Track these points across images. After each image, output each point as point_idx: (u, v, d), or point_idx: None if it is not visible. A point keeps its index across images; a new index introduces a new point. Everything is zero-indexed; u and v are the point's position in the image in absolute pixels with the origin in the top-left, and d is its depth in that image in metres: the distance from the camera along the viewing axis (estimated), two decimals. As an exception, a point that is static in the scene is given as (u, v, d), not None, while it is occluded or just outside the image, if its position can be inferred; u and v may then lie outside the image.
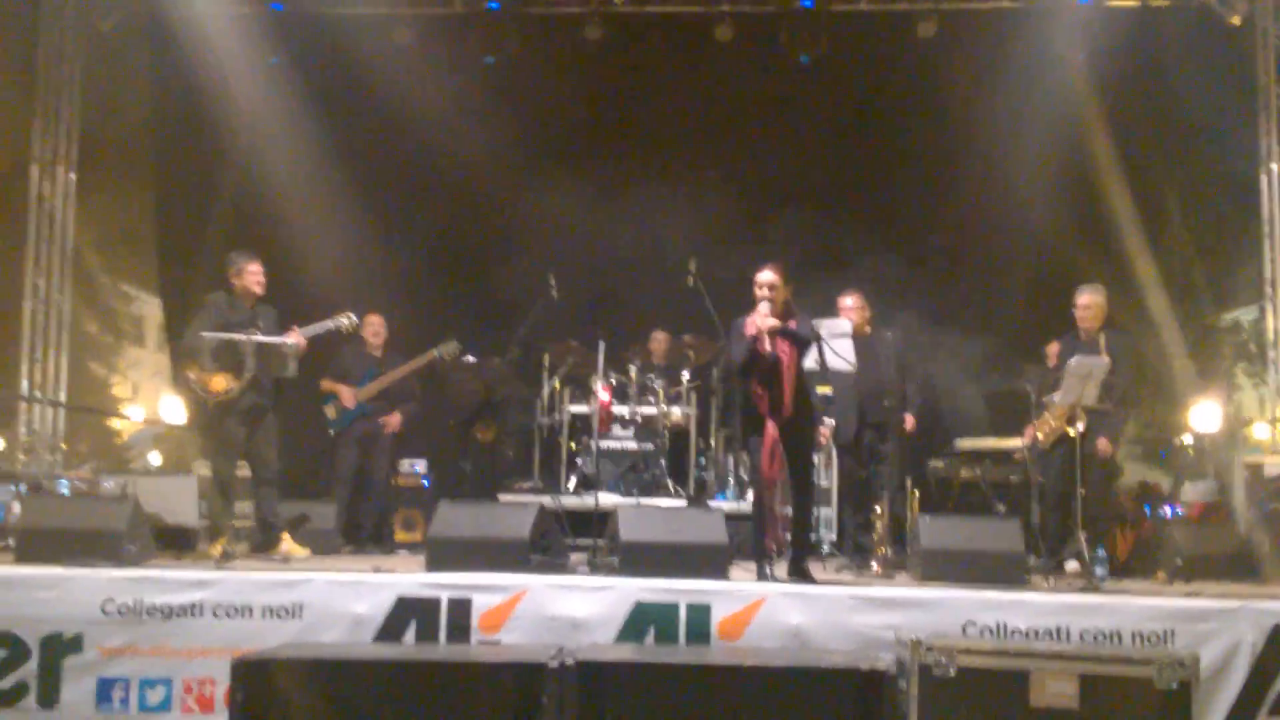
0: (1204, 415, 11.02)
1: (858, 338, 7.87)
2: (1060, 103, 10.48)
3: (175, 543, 7.76)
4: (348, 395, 8.94)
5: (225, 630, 6.07)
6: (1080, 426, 7.54)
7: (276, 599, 6.13)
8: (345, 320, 8.06)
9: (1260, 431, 11.33)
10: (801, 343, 6.78)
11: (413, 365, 9.12)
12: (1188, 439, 11.28)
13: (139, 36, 11.64)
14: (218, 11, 10.88)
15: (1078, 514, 7.27)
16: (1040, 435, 7.92)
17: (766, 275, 6.73)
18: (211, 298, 7.76)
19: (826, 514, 9.28)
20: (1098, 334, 7.88)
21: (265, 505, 7.67)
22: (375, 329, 9.08)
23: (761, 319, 6.63)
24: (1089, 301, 8.03)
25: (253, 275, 7.76)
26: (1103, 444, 7.72)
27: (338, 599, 6.14)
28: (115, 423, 23.61)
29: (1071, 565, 7.42)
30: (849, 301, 8.15)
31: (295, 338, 7.66)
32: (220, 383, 7.45)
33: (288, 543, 7.57)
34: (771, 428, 6.65)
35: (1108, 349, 7.49)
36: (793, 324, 6.73)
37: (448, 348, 9.08)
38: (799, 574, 6.70)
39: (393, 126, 10.98)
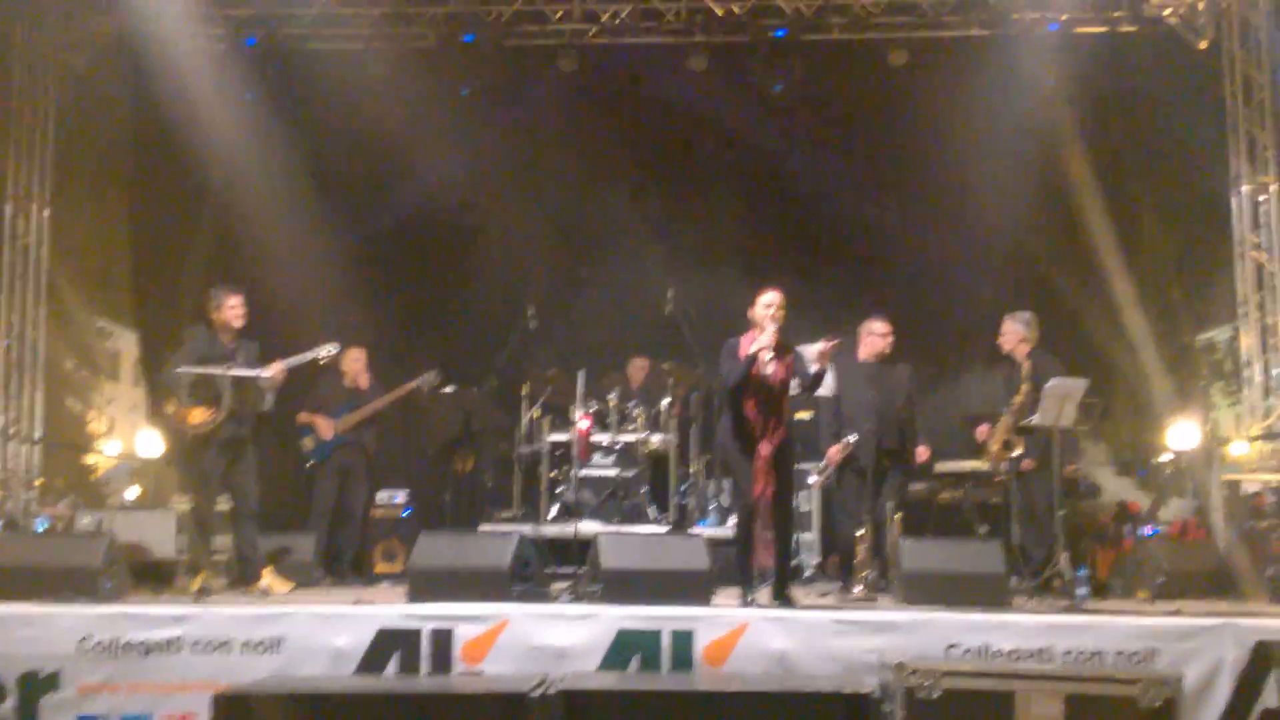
0: (1181, 434, 11.07)
1: (878, 365, 7.97)
2: (1032, 127, 10.57)
3: (153, 578, 7.70)
4: (325, 427, 8.92)
5: (204, 665, 6.01)
6: (1018, 451, 7.63)
7: (256, 633, 6.08)
8: (325, 351, 8.05)
9: (1237, 449, 11.40)
10: (810, 377, 6.82)
11: (392, 396, 9.10)
12: (1166, 458, 11.33)
13: (113, 72, 11.62)
14: (192, 47, 10.90)
15: (1058, 533, 7.32)
16: (992, 447, 7.97)
17: (772, 296, 6.77)
18: (191, 331, 7.74)
19: (808, 538, 9.31)
20: (1025, 359, 7.95)
21: (245, 539, 7.61)
22: (353, 361, 9.05)
23: (769, 339, 6.67)
24: (1003, 328, 8.23)
25: (232, 310, 7.73)
26: (1027, 464, 7.80)
27: (318, 632, 6.09)
28: (92, 458, 23.43)
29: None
30: (878, 327, 8.07)
31: (275, 370, 7.61)
32: (198, 415, 7.41)
33: (269, 577, 7.51)
34: (764, 449, 6.66)
35: (1032, 375, 7.57)
36: (789, 355, 6.79)
37: (427, 378, 9.06)
38: (782, 598, 6.69)
39: (369, 158, 11.02)
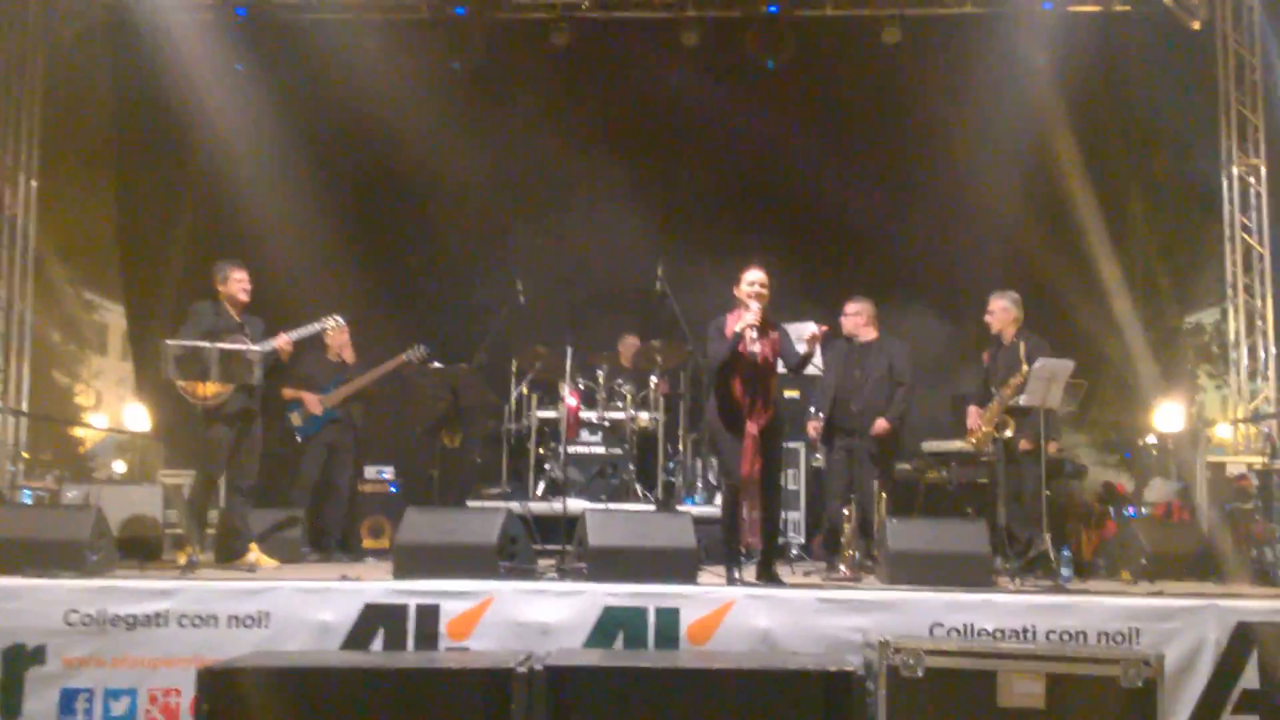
0: (1167, 416, 11.13)
1: (850, 343, 8.22)
2: (1024, 107, 10.57)
3: (139, 552, 7.68)
4: (313, 402, 8.90)
5: (190, 639, 6.00)
6: (1009, 431, 7.65)
7: (242, 607, 6.07)
8: (332, 322, 8.08)
9: (1223, 432, 11.47)
10: (798, 359, 6.86)
11: (380, 371, 9.08)
12: (1151, 440, 11.38)
13: (101, 44, 11.57)
14: (181, 18, 10.84)
15: (1043, 513, 7.35)
16: (983, 427, 7.99)
17: (756, 274, 6.80)
18: (197, 306, 7.70)
19: (794, 517, 9.34)
20: (1016, 340, 7.97)
21: (238, 513, 7.61)
22: (337, 334, 9.01)
23: (753, 316, 6.67)
24: (992, 306, 8.24)
25: (239, 283, 7.73)
26: (1024, 444, 7.79)
27: (304, 607, 6.08)
28: (79, 431, 23.42)
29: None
30: (848, 307, 8.35)
31: (281, 342, 7.64)
32: (209, 389, 7.38)
33: (256, 553, 7.51)
34: (752, 427, 6.67)
35: (1027, 356, 7.58)
36: (774, 334, 6.80)
37: (415, 352, 9.04)
38: (768, 577, 6.71)
39: (358, 131, 10.97)
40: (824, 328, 6.76)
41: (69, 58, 11.46)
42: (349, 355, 9.16)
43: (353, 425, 9.10)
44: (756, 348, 6.70)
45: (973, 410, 8.19)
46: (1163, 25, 10.97)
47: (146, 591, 6.12)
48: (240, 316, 7.74)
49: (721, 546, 6.98)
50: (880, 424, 7.98)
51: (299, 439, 8.95)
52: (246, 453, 7.64)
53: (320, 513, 8.84)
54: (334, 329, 8.50)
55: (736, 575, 6.68)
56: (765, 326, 6.75)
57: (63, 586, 6.13)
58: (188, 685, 5.55)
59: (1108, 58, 11.02)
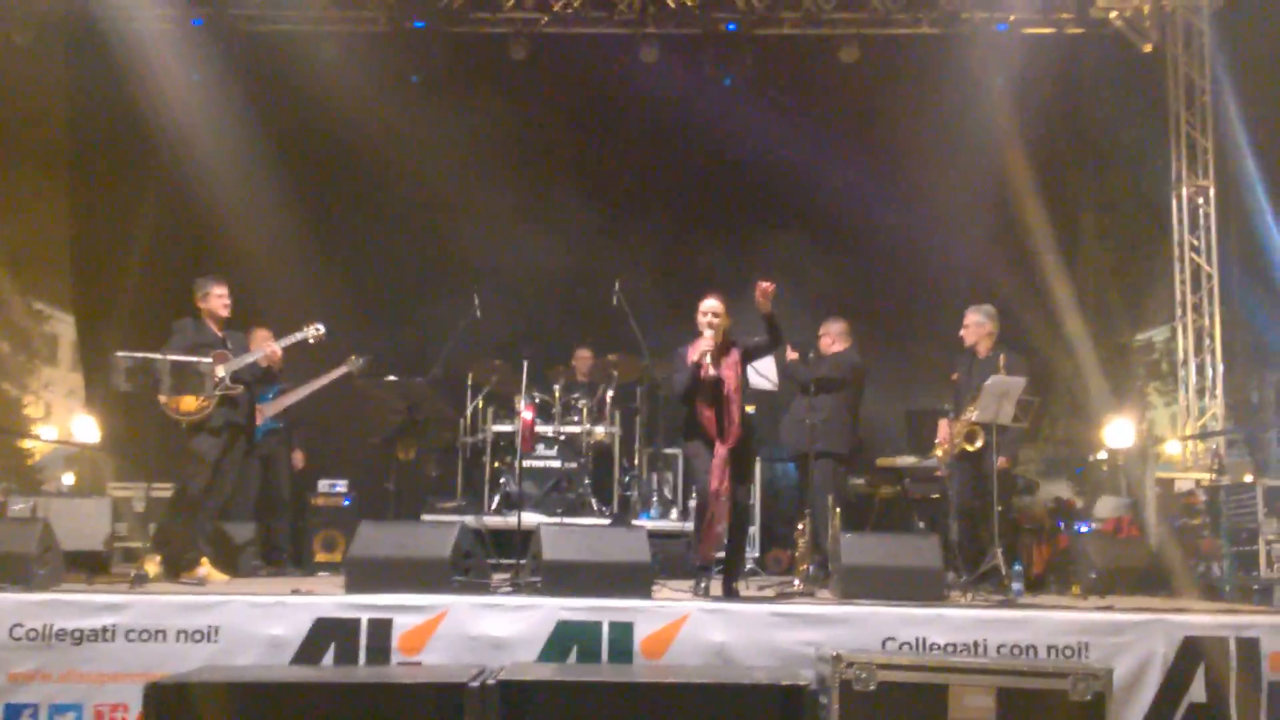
0: (1118, 432, 11.25)
1: (811, 360, 8.40)
2: (980, 126, 10.70)
3: (87, 565, 7.57)
4: (256, 412, 8.77)
5: (138, 654, 5.92)
6: (980, 443, 7.71)
7: (191, 622, 5.99)
8: (313, 331, 8.04)
9: (1172, 449, 11.61)
10: (761, 348, 7.00)
11: (320, 382, 8.97)
12: (1102, 455, 11.51)
13: (55, 51, 11.44)
14: (137, 27, 10.75)
15: (994, 529, 7.41)
16: (954, 439, 8.05)
17: (710, 303, 6.90)
18: (180, 324, 7.69)
19: (749, 532, 9.35)
20: (994, 353, 8.04)
21: (198, 527, 7.53)
22: (263, 341, 8.79)
23: (707, 344, 6.79)
24: (967, 320, 8.31)
25: (219, 299, 7.73)
26: (1001, 462, 7.84)
27: (254, 621, 6.01)
28: (27, 443, 23.07)
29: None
30: (833, 327, 8.59)
31: (269, 350, 7.77)
32: (189, 404, 7.34)
33: (207, 567, 7.42)
34: (720, 449, 6.77)
35: (1006, 369, 7.65)
36: (735, 352, 6.89)
37: (355, 364, 8.96)
38: (730, 594, 6.78)
39: (316, 142, 10.93)
40: (770, 284, 6.76)
41: (23, 63, 11.32)
42: (278, 364, 9.00)
43: (286, 435, 9.01)
44: (713, 372, 6.79)
45: (944, 424, 8.25)
46: (1115, 48, 11.16)
47: (94, 606, 6.03)
48: (221, 331, 7.73)
49: (689, 557, 7.10)
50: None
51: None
52: (229, 466, 7.61)
53: (268, 526, 8.75)
54: (260, 336, 8.43)
55: (704, 587, 6.75)
56: (720, 351, 6.83)
57: (8, 600, 6.03)
58: (135, 701, 5.48)
59: (1062, 79, 11.19)
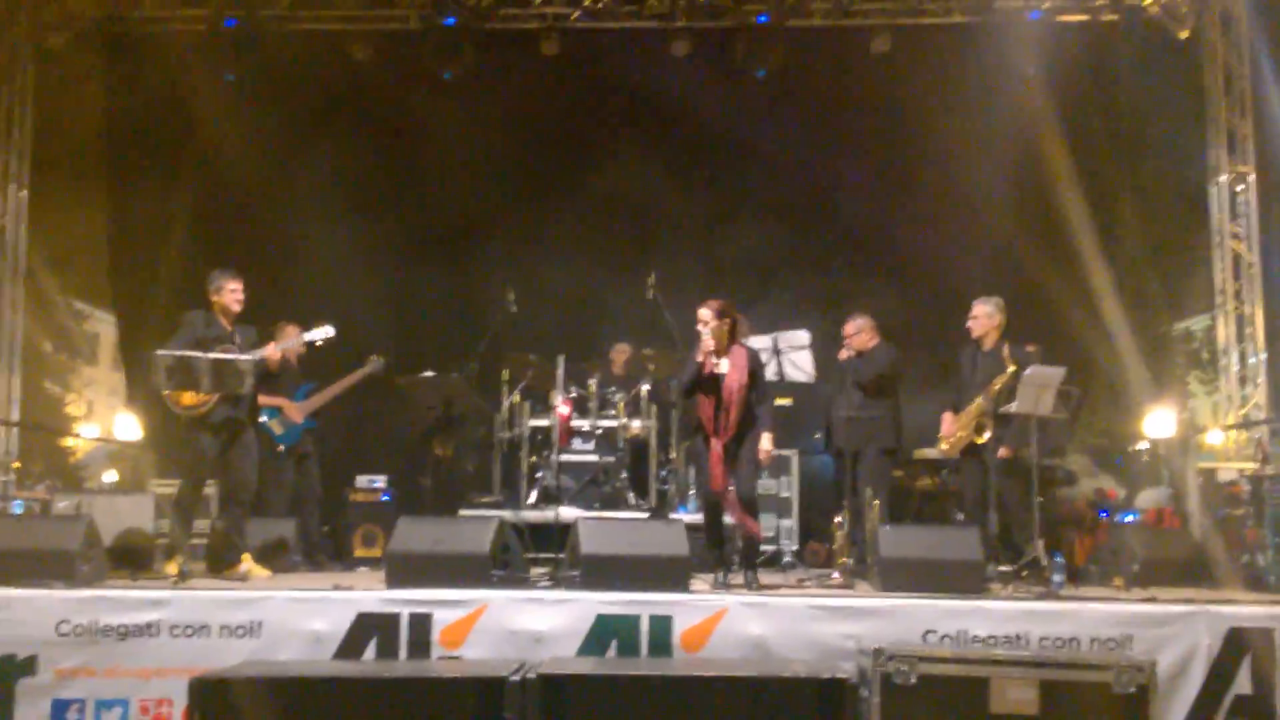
0: (1158, 422, 11.15)
1: (850, 357, 8.39)
2: (1014, 115, 10.59)
3: (131, 562, 7.64)
4: (294, 410, 8.82)
5: (182, 650, 6.00)
6: (987, 435, 7.67)
7: (234, 617, 6.07)
8: (322, 333, 8.07)
9: (1214, 438, 11.49)
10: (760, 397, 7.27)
11: (347, 382, 8.98)
12: (1143, 446, 11.40)
13: (92, 53, 11.54)
14: (171, 27, 10.83)
15: (1034, 522, 7.37)
16: (960, 433, 8.01)
17: (701, 310, 7.25)
18: (189, 316, 7.64)
19: (786, 524, 9.34)
20: (999, 345, 7.99)
21: (234, 524, 7.56)
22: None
23: (706, 344, 7.15)
24: (975, 311, 8.30)
25: (233, 293, 7.68)
26: (1003, 451, 7.80)
27: (296, 616, 6.08)
28: (70, 441, 23.35)
29: None
30: (857, 322, 8.55)
31: (269, 351, 7.66)
32: (189, 399, 7.35)
33: (249, 563, 7.45)
34: (716, 445, 7.03)
35: (1011, 356, 7.61)
36: (744, 357, 7.21)
37: (375, 365, 8.95)
38: (751, 584, 6.86)
39: (349, 141, 10.95)
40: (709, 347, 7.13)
41: (60, 66, 11.44)
42: (275, 366, 9.00)
43: (318, 433, 9.07)
44: (721, 369, 7.10)
45: (947, 416, 8.23)
46: (1150, 34, 11.02)
47: (138, 601, 6.12)
48: (231, 326, 7.70)
49: (706, 552, 7.20)
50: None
51: (281, 448, 8.86)
52: (241, 463, 7.55)
53: (305, 522, 8.81)
54: (288, 334, 8.47)
55: (724, 580, 6.85)
56: (721, 350, 7.14)
57: (54, 597, 6.12)
58: (180, 696, 5.54)
59: (1096, 66, 11.07)
